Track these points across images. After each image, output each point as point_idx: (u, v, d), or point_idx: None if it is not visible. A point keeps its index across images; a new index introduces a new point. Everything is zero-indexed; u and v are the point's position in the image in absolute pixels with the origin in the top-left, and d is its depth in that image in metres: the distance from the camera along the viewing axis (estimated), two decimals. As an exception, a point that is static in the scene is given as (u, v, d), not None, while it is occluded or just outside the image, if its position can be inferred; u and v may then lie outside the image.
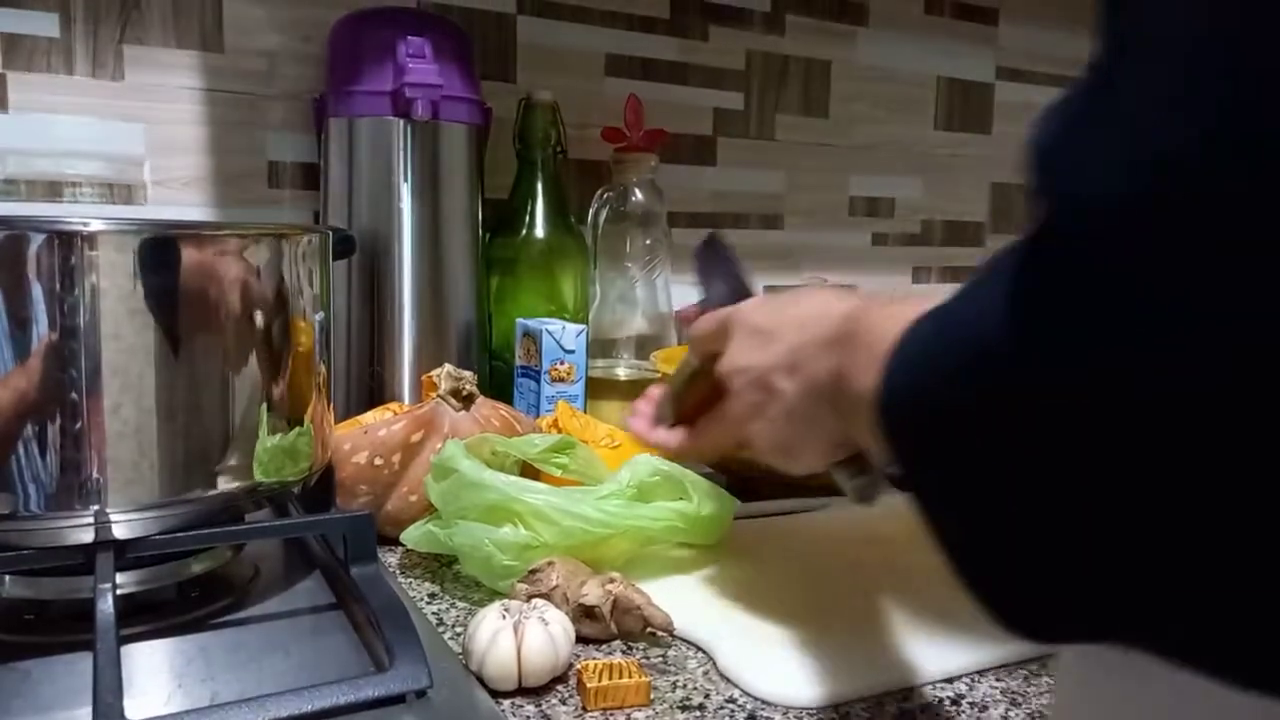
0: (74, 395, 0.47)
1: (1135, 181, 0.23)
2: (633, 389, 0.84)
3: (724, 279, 0.65)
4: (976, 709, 0.47)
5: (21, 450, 0.46)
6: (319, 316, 0.57)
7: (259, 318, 0.52)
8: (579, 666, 0.47)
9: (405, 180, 0.82)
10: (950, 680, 0.49)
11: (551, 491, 0.58)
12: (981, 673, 0.50)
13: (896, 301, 0.41)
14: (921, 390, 0.32)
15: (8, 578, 0.51)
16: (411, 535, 0.60)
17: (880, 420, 0.34)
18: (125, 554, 0.49)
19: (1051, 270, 0.25)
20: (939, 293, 0.34)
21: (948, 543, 0.32)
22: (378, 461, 0.65)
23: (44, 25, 0.81)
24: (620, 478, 0.60)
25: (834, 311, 0.46)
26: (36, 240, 0.46)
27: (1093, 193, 0.24)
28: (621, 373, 0.95)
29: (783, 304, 0.52)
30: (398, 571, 0.62)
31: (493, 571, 0.56)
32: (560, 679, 0.48)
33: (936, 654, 0.50)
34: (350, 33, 0.84)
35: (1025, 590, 0.30)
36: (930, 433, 0.31)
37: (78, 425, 0.47)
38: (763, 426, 0.51)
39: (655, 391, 0.61)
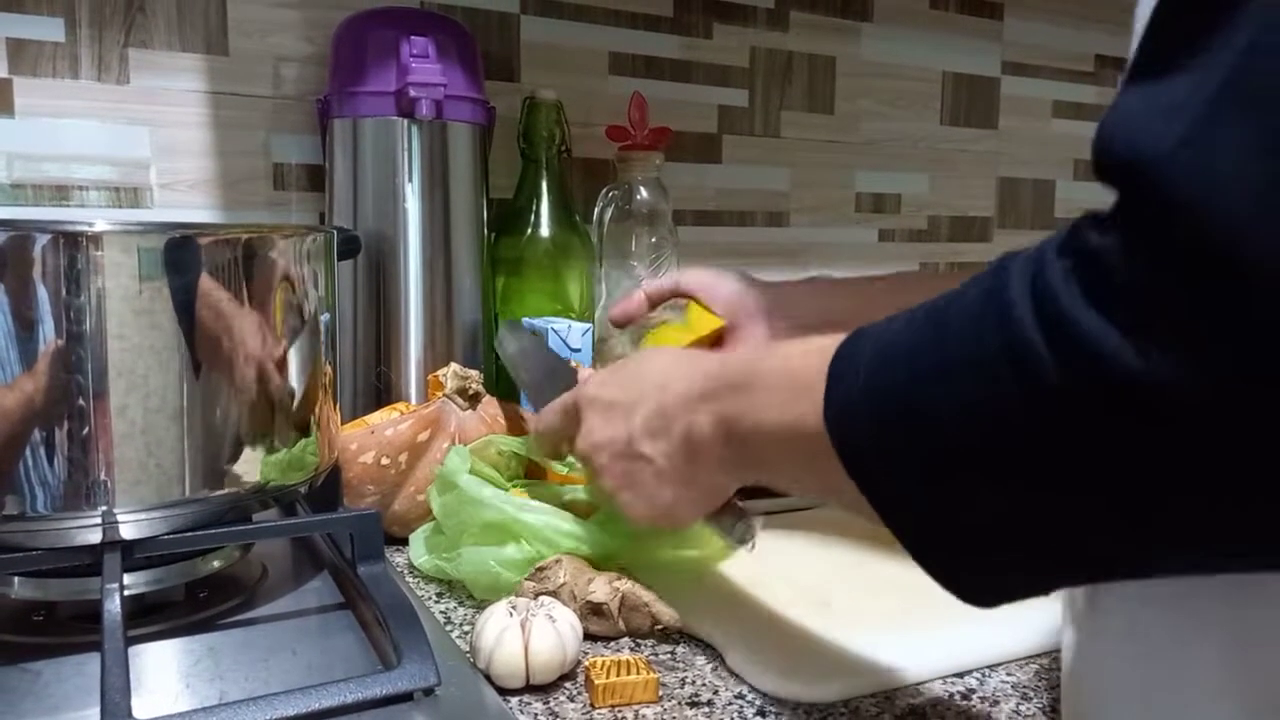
0: (80, 396, 0.47)
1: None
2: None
3: (543, 365, 0.68)
4: (987, 704, 0.46)
5: (28, 451, 0.47)
6: (325, 317, 0.57)
7: (265, 319, 0.52)
8: (587, 664, 0.47)
9: (410, 180, 0.82)
10: (960, 675, 0.49)
11: (549, 512, 0.57)
12: (992, 667, 0.50)
13: (775, 348, 0.44)
14: (906, 396, 0.32)
15: (16, 579, 0.51)
16: (419, 559, 0.60)
17: (839, 430, 0.35)
18: (133, 554, 0.49)
19: (1176, 267, 0.25)
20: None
21: (924, 537, 0.33)
22: (384, 461, 0.65)
23: (49, 30, 0.81)
24: None
25: (696, 371, 0.48)
26: (41, 241, 0.46)
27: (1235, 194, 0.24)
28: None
29: (627, 375, 0.52)
30: (405, 570, 0.62)
31: (502, 591, 0.55)
32: (568, 676, 0.47)
33: (946, 649, 0.50)
34: (354, 33, 0.84)
35: (994, 573, 0.32)
36: (919, 434, 0.32)
37: (84, 426, 0.47)
38: (635, 495, 0.51)
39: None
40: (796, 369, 0.39)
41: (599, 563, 0.56)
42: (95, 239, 0.46)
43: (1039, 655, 0.51)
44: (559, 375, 0.65)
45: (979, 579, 0.33)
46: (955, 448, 0.30)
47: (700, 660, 0.50)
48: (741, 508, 0.54)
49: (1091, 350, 0.26)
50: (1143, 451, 0.26)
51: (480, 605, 0.56)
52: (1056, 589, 0.33)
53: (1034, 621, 0.52)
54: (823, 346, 0.38)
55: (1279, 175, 0.23)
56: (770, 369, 0.42)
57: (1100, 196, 0.28)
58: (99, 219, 0.54)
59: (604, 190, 0.97)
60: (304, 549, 0.64)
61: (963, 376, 0.30)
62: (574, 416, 0.54)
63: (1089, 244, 0.27)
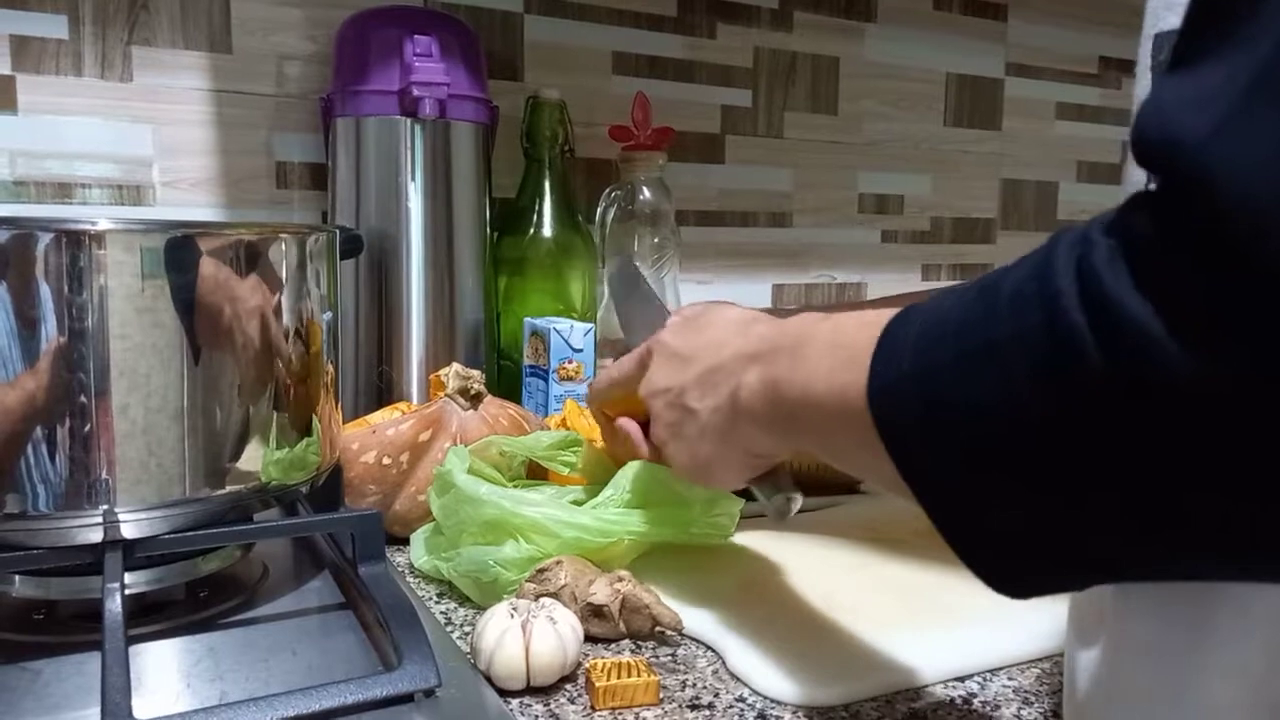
0: (82, 395, 0.47)
1: None
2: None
3: (643, 313, 0.68)
4: (988, 708, 0.46)
5: (30, 450, 0.46)
6: (327, 316, 0.57)
7: (267, 317, 0.52)
8: (587, 665, 0.47)
9: (413, 179, 0.82)
10: (961, 679, 0.49)
11: (548, 504, 0.57)
12: (993, 671, 0.50)
13: (831, 316, 0.43)
14: (949, 377, 0.32)
15: (17, 578, 0.51)
16: (419, 559, 0.60)
17: (881, 407, 0.35)
18: (134, 553, 0.49)
19: (1214, 264, 0.24)
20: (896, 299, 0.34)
21: (958, 522, 0.33)
22: (386, 461, 0.65)
23: (52, 27, 0.81)
24: (618, 483, 0.59)
25: (752, 333, 0.48)
26: (44, 240, 0.46)
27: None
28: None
29: (699, 328, 0.53)
30: (406, 571, 0.62)
31: (502, 591, 0.55)
32: (569, 678, 0.47)
33: (947, 652, 0.50)
34: (357, 32, 0.84)
35: (1025, 558, 0.32)
36: (954, 416, 0.31)
37: (86, 425, 0.47)
38: (679, 446, 0.53)
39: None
40: (848, 340, 0.39)
41: (598, 557, 0.56)
42: (98, 237, 0.46)
43: (1041, 659, 0.51)
44: (650, 315, 0.66)
45: (1011, 567, 0.32)
46: (996, 430, 0.30)
47: (701, 663, 0.50)
48: (783, 480, 0.54)
49: (1137, 334, 0.25)
50: (1165, 443, 0.26)
51: (480, 606, 0.56)
52: (1091, 583, 0.33)
53: (1036, 625, 0.52)
54: (878, 319, 0.37)
55: None
56: (823, 336, 0.42)
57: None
58: (101, 217, 0.54)
59: (607, 190, 0.97)
60: (305, 549, 0.64)
61: (1006, 358, 0.29)
62: (646, 361, 0.56)
63: (1134, 224, 0.27)
